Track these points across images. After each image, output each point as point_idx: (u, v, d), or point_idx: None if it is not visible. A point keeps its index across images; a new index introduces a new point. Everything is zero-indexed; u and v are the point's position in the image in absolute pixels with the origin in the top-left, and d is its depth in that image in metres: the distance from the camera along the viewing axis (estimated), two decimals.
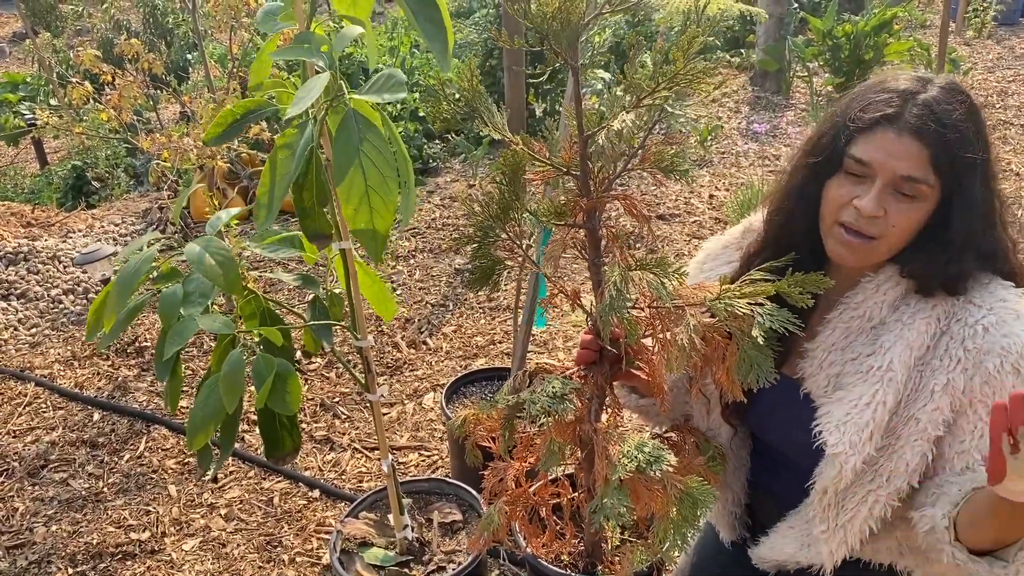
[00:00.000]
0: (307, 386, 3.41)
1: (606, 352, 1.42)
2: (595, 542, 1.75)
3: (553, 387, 1.42)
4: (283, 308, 1.91)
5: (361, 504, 2.19)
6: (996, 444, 0.98)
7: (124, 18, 10.89)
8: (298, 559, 2.55)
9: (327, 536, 2.62)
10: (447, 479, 2.25)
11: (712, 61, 8.23)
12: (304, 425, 3.16)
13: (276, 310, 1.86)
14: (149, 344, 3.81)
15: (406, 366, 3.55)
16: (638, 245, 4.58)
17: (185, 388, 3.49)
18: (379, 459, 2.95)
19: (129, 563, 2.58)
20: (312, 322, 1.81)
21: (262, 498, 2.81)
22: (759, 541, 1.47)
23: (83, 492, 2.87)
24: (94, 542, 2.64)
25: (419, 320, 3.92)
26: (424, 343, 3.74)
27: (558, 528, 1.74)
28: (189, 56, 9.11)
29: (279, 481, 2.89)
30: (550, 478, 1.70)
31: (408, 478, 2.37)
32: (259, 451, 3.03)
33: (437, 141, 6.31)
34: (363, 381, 1.88)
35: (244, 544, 2.62)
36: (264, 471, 2.94)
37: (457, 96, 1.47)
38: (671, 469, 1.31)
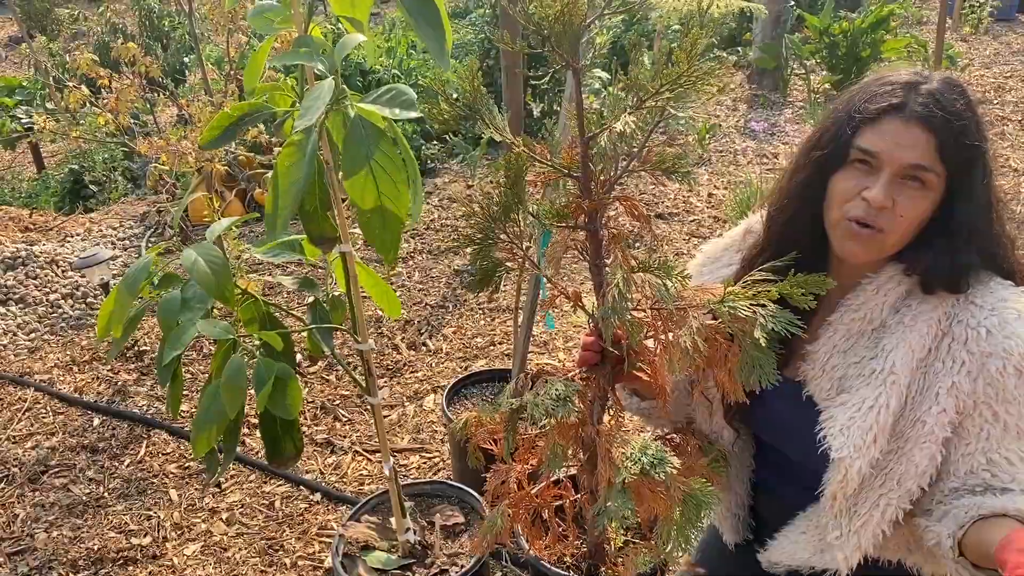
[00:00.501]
0: (307, 389, 3.40)
1: (608, 354, 1.41)
2: (598, 544, 1.74)
3: (556, 389, 1.41)
4: (283, 312, 1.91)
5: (363, 507, 2.18)
6: None
7: (120, 21, 10.89)
8: (300, 563, 2.55)
9: (329, 539, 2.61)
10: (449, 481, 2.25)
11: (710, 59, 8.20)
12: (305, 428, 3.16)
13: (276, 314, 1.85)
14: (149, 348, 3.80)
15: (406, 368, 3.54)
16: (638, 244, 4.58)
17: (187, 392, 3.48)
18: (380, 462, 2.94)
19: (131, 568, 2.57)
20: (312, 326, 1.80)
21: (263, 502, 2.81)
22: (765, 543, 1.47)
23: (84, 497, 2.87)
24: (95, 548, 2.64)
25: (419, 322, 3.91)
26: (424, 345, 3.73)
27: (561, 530, 1.73)
28: (186, 59, 9.10)
29: (280, 485, 2.88)
30: (552, 479, 1.70)
31: (410, 481, 2.36)
32: (260, 455, 3.03)
33: (435, 142, 6.30)
34: (364, 384, 1.88)
35: (246, 548, 2.62)
36: (265, 475, 2.93)
37: (456, 97, 1.46)
38: (675, 471, 1.31)
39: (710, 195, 5.20)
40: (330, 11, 1.60)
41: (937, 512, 1.22)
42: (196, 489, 2.89)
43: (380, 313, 3.98)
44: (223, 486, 2.90)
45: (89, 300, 4.47)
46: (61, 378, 3.64)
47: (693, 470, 1.51)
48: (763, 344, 1.26)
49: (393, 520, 2.05)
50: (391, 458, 1.93)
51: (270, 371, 1.55)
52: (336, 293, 1.97)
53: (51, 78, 6.29)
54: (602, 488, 1.41)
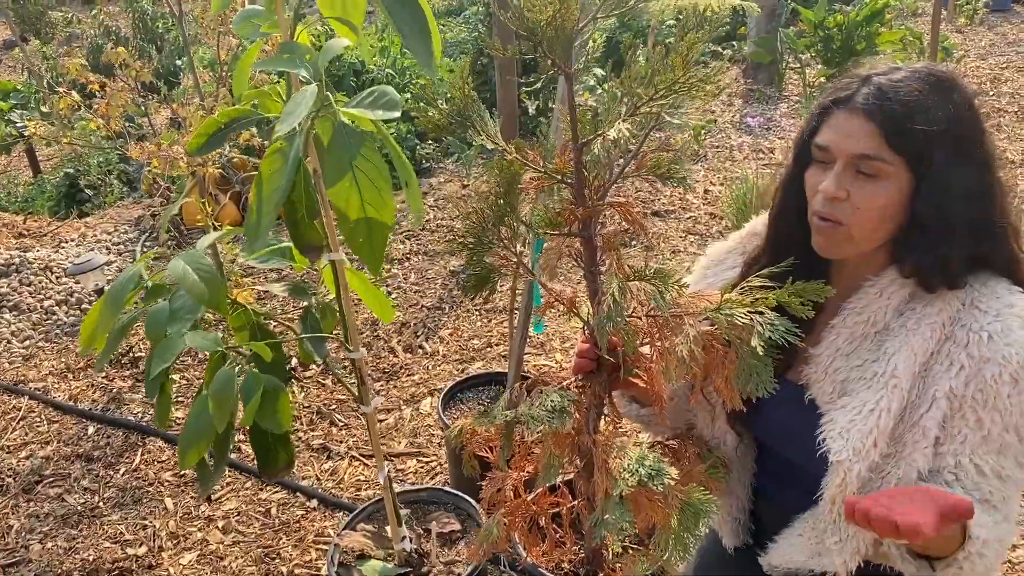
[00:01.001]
0: (303, 393, 3.38)
1: (604, 361, 1.40)
2: (595, 550, 1.72)
3: (551, 400, 1.40)
4: (275, 319, 1.89)
5: (359, 515, 2.16)
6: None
7: (113, 24, 10.85)
8: (296, 571, 2.53)
9: (325, 547, 2.59)
10: (445, 488, 2.23)
11: (705, 55, 8.20)
12: (301, 433, 3.14)
13: (267, 322, 1.83)
14: (144, 354, 3.78)
15: (403, 371, 3.52)
16: (634, 243, 4.56)
17: (182, 399, 3.46)
18: (376, 467, 2.92)
19: None
20: (303, 335, 1.78)
21: (259, 509, 2.79)
22: (765, 547, 1.45)
23: (79, 507, 2.84)
24: (90, 558, 2.62)
25: (415, 324, 3.89)
26: (420, 347, 3.71)
27: (558, 537, 1.71)
28: (179, 61, 9.06)
29: (276, 491, 2.86)
30: (549, 486, 1.68)
31: (406, 487, 2.34)
32: (254, 462, 3.00)
33: (430, 141, 6.27)
34: (357, 393, 1.86)
35: (242, 557, 2.60)
36: (261, 482, 2.91)
37: (443, 103, 1.44)
38: (672, 482, 1.29)
39: (706, 192, 5.17)
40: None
41: None
42: (192, 497, 2.87)
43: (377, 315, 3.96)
44: (219, 494, 2.88)
45: (84, 307, 4.45)
46: (56, 386, 3.61)
47: (691, 477, 1.49)
48: (760, 352, 1.25)
49: (389, 528, 2.03)
50: (386, 466, 1.91)
51: (258, 384, 1.53)
52: (328, 299, 1.95)
53: (44, 82, 6.25)
54: (599, 499, 1.39)
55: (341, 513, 2.73)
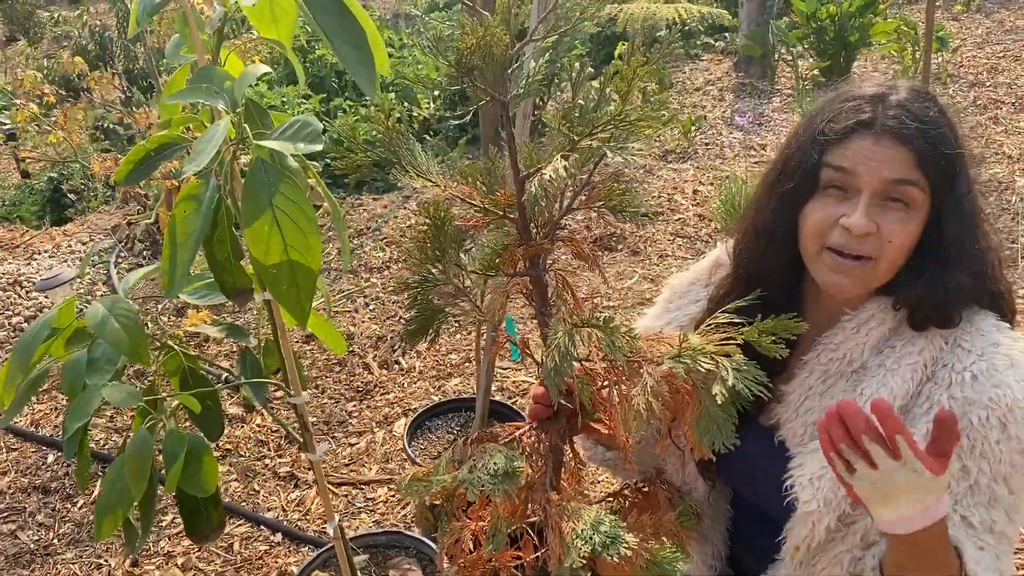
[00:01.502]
0: (271, 416, 3.24)
1: (562, 407, 1.28)
2: None
3: (495, 462, 1.27)
4: (210, 362, 1.75)
5: (314, 562, 2.03)
6: (833, 470, 0.96)
7: (98, 23, 10.66)
8: None
9: None
10: (406, 532, 2.09)
11: (697, 47, 8.05)
12: (267, 460, 3.00)
13: (203, 366, 1.69)
14: None
15: (377, 389, 3.38)
16: (620, 247, 4.42)
17: None
18: (345, 496, 2.79)
19: None
20: (238, 382, 1.64)
21: (221, 544, 2.65)
22: None
23: (31, 545, 2.71)
24: None
25: (392, 337, 3.75)
26: (397, 363, 3.57)
27: None
28: (164, 61, 8.90)
29: (239, 524, 2.72)
30: (510, 535, 1.57)
31: (362, 532, 2.21)
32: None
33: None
34: (301, 440, 1.72)
35: None
36: (224, 513, 2.77)
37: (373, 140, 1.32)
38: (629, 552, 1.18)
39: (695, 192, 5.03)
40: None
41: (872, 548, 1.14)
42: (153, 531, 2.74)
43: (352, 328, 3.83)
44: (179, 527, 2.74)
45: None
46: None
47: (661, 526, 1.38)
48: (721, 401, 1.13)
49: None
50: (336, 516, 1.78)
51: (180, 445, 1.39)
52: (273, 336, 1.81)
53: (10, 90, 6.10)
54: (553, 566, 1.27)
55: (307, 548, 2.60)
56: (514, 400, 3.17)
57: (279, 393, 2.97)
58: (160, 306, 4.24)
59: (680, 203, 4.89)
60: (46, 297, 4.44)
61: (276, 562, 2.57)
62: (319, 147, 1.30)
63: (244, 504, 2.80)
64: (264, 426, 3.19)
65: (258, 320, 3.76)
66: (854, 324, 1.17)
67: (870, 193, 1.08)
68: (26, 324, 4.26)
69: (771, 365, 1.13)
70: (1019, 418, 1.05)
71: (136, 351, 1.42)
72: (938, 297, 1.11)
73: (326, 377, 3.47)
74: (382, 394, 3.35)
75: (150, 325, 3.84)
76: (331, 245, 4.66)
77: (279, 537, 2.66)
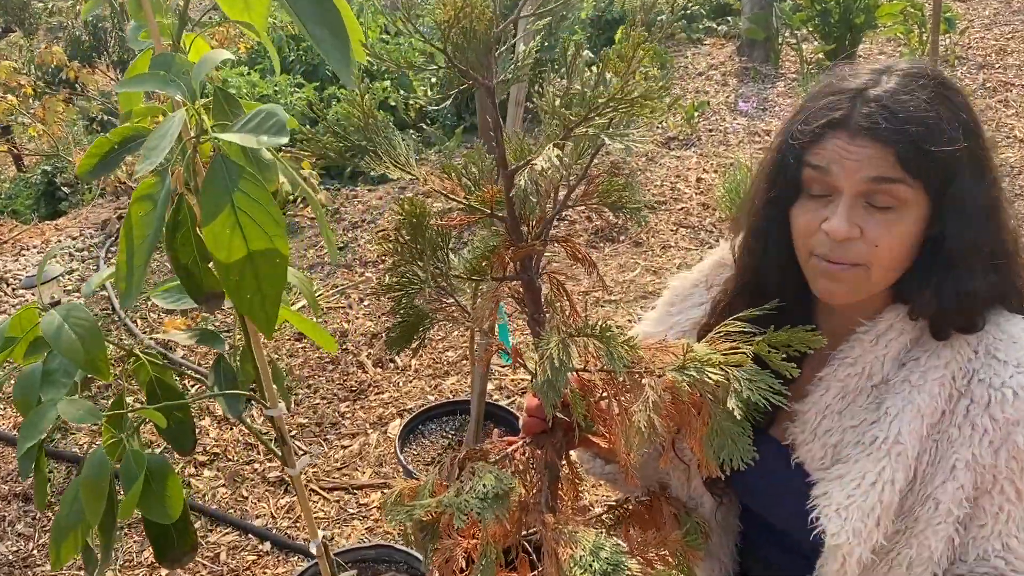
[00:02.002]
0: (248, 428, 3.13)
1: (558, 419, 1.17)
2: None
3: (484, 484, 1.16)
4: (186, 366, 1.64)
5: None
6: None
7: (92, 14, 10.50)
8: None
9: None
10: (396, 545, 1.98)
11: (699, 32, 7.89)
12: (256, 465, 2.89)
13: (177, 374, 1.58)
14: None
15: (371, 389, 3.27)
16: (622, 238, 4.30)
17: None
18: (337, 502, 2.68)
19: None
20: (210, 394, 1.52)
21: (207, 553, 2.55)
22: None
23: (10, 556, 2.60)
24: None
25: (387, 334, 3.63)
26: (392, 361, 3.46)
27: None
28: None
29: (227, 533, 2.62)
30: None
31: (350, 546, 2.10)
32: (205, 498, 2.76)
33: (411, 131, 5.99)
34: (280, 453, 1.61)
35: None
36: (211, 521, 2.66)
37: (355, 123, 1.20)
38: None
39: (699, 180, 4.90)
40: None
41: None
42: (135, 541, 2.63)
43: (346, 325, 3.71)
44: None
45: None
46: (1, 412, 3.37)
47: (665, 545, 1.28)
48: (737, 415, 1.03)
49: None
50: (320, 533, 1.66)
51: (140, 465, 1.27)
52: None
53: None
54: None
55: (296, 557, 2.49)
56: (512, 400, 3.06)
57: None
58: (149, 303, 4.13)
59: (683, 192, 4.76)
60: (33, 295, 4.33)
61: (264, 573, 2.46)
62: (284, 140, 1.18)
63: (232, 511, 2.69)
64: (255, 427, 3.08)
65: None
66: (871, 335, 1.07)
67: (850, 195, 1.00)
68: None
69: (781, 379, 1.03)
70: None
71: (93, 363, 1.31)
72: (949, 302, 1.02)
73: (319, 376, 3.36)
74: (376, 394, 3.24)
75: (115, 332, 3.73)
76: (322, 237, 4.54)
77: (268, 546, 2.55)
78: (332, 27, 1.25)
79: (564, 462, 1.24)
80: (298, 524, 2.63)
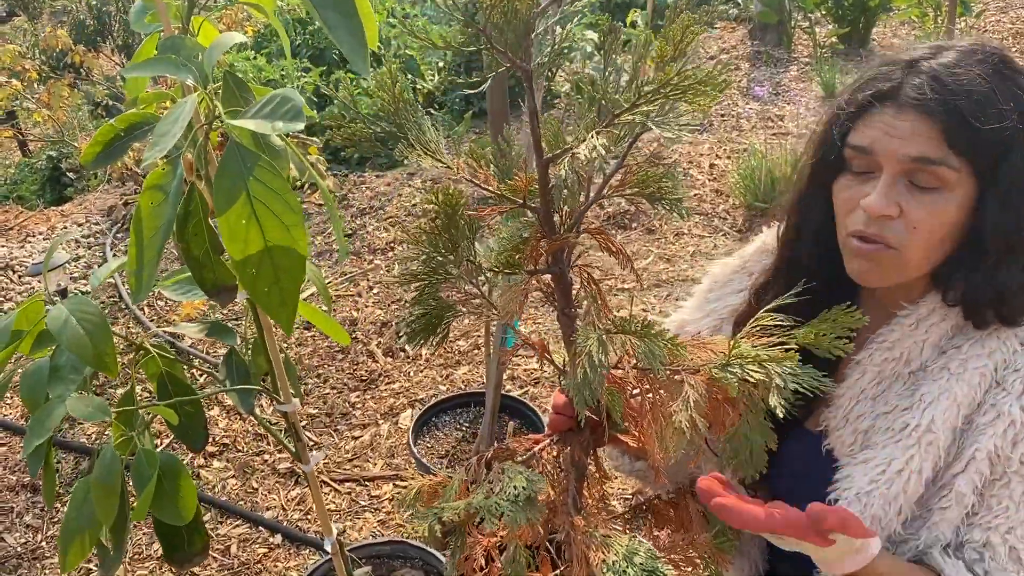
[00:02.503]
0: (260, 424, 3.09)
1: (587, 417, 1.14)
2: None
3: (516, 485, 1.11)
4: (199, 357, 1.59)
5: (314, 574, 1.88)
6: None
7: None
8: None
9: None
10: (410, 541, 1.94)
11: (708, 14, 7.77)
12: (267, 456, 2.85)
13: (192, 366, 1.53)
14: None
15: (382, 378, 3.22)
16: (634, 225, 4.24)
17: None
18: (349, 494, 2.64)
19: None
20: (222, 388, 1.48)
21: (218, 546, 2.51)
22: None
23: (19, 548, 2.57)
24: None
25: (397, 323, 3.59)
26: (403, 350, 3.41)
27: None
28: None
29: (237, 526, 2.57)
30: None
31: (364, 542, 2.05)
32: (214, 489, 2.72)
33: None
34: (294, 450, 1.56)
35: None
36: (221, 514, 2.63)
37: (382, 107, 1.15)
38: None
39: (712, 166, 4.83)
40: None
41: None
42: (144, 534, 2.59)
43: (356, 313, 3.67)
44: None
45: None
46: (8, 401, 3.33)
47: (695, 547, 1.24)
48: (779, 413, 0.97)
49: None
50: (334, 530, 1.62)
51: (152, 465, 1.23)
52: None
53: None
54: None
55: (308, 550, 2.45)
56: (525, 389, 3.01)
57: None
58: (157, 290, 4.08)
59: (696, 178, 4.69)
60: (39, 282, 4.29)
61: (276, 566, 2.42)
62: (301, 126, 1.13)
63: (242, 503, 2.65)
64: (264, 418, 3.04)
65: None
66: (912, 320, 1.04)
67: (891, 173, 0.97)
68: None
69: (821, 366, 1.00)
70: None
71: (100, 358, 1.26)
72: (982, 293, 0.99)
73: (328, 366, 3.31)
74: (387, 384, 3.19)
75: (123, 320, 3.69)
76: (331, 225, 4.50)
77: (279, 539, 2.51)
78: (345, 11, 1.20)
79: (591, 460, 1.21)
80: (309, 516, 2.59)
